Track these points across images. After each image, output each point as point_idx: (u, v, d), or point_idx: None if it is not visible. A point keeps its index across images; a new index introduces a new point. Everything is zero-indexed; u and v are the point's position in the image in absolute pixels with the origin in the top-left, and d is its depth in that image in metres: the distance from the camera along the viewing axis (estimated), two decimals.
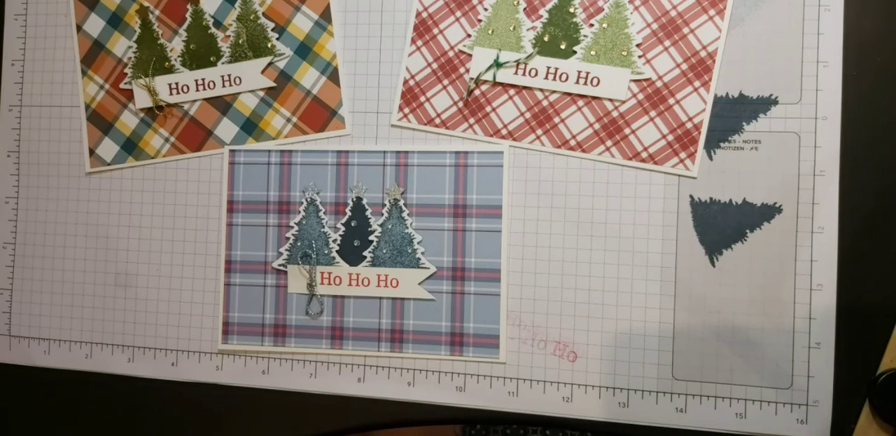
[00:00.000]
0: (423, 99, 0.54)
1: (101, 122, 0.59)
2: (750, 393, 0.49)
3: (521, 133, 0.53)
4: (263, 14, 0.57)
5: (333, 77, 0.56)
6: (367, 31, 0.55)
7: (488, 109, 0.53)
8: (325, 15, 0.56)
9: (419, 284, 0.53)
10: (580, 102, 0.52)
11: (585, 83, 0.52)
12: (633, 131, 0.51)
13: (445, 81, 0.54)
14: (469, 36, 0.53)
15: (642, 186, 0.51)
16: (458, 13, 0.54)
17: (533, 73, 0.52)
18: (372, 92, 0.55)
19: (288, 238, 0.55)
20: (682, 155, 0.51)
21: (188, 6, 0.58)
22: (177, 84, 0.58)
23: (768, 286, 0.49)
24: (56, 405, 0.60)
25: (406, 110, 0.54)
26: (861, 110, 0.49)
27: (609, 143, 0.52)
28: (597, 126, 0.52)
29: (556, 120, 0.52)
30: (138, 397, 0.58)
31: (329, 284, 0.55)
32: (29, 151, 0.61)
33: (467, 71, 0.53)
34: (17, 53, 0.61)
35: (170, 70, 0.58)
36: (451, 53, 0.54)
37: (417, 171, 0.54)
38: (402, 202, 0.54)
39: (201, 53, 0.57)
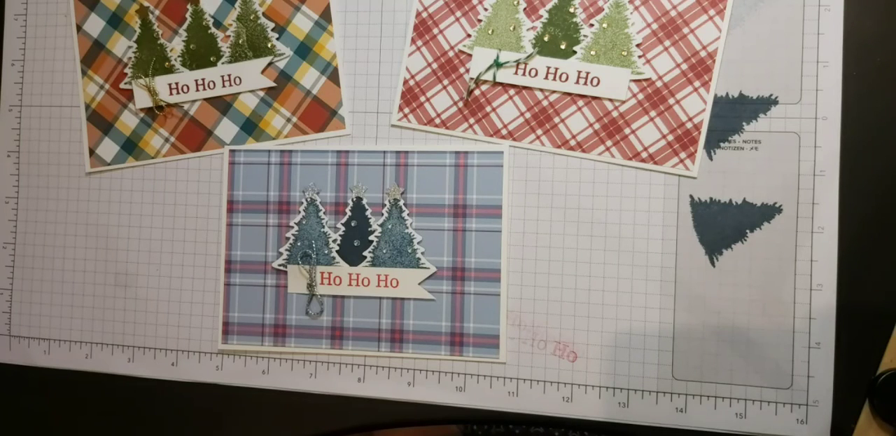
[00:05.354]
0: (423, 99, 0.54)
1: (101, 122, 0.59)
2: (750, 393, 0.49)
3: (521, 133, 0.53)
4: (263, 14, 0.57)
5: (333, 77, 0.56)
6: (367, 31, 0.55)
7: (488, 108, 0.53)
8: (325, 15, 0.56)
9: (419, 284, 0.53)
10: (580, 102, 0.52)
11: (585, 83, 0.52)
12: (633, 131, 0.51)
13: (445, 81, 0.54)
14: (469, 36, 0.53)
15: (642, 186, 0.51)
16: (458, 13, 0.54)
17: (533, 73, 0.52)
18: (372, 92, 0.55)
19: (288, 238, 0.55)
20: (682, 155, 0.51)
21: (188, 6, 0.58)
22: (177, 84, 0.58)
23: (768, 286, 0.49)
24: (56, 405, 0.60)
25: (406, 110, 0.54)
26: (861, 110, 0.49)
27: (609, 143, 0.52)
28: (597, 126, 0.52)
29: (556, 120, 0.52)
30: (138, 397, 0.58)
31: (329, 284, 0.55)
32: (29, 151, 0.61)
33: (467, 71, 0.53)
34: (17, 53, 0.61)
35: (170, 70, 0.58)
36: (451, 53, 0.54)
37: (417, 171, 0.54)
38: (402, 202, 0.54)
39: (201, 53, 0.57)
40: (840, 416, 0.48)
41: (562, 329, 0.52)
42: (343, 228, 0.55)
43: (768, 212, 0.50)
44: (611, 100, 0.51)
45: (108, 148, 0.59)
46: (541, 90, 0.52)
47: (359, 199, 0.55)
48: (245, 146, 0.57)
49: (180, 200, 0.58)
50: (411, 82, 0.54)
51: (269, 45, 0.56)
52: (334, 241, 0.55)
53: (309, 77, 0.56)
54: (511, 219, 0.53)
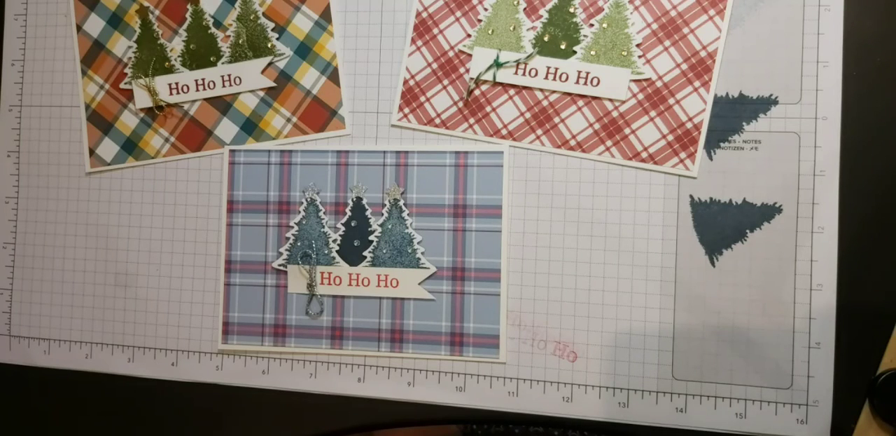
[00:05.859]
0: (423, 99, 0.54)
1: (101, 122, 0.59)
2: (750, 393, 0.49)
3: (521, 133, 0.53)
4: (263, 14, 0.57)
5: (333, 77, 0.56)
6: (367, 31, 0.55)
7: (488, 108, 0.53)
8: (325, 15, 0.56)
9: (419, 284, 0.53)
10: (580, 102, 0.52)
11: (585, 83, 0.52)
12: (633, 131, 0.51)
13: (445, 81, 0.54)
14: (469, 36, 0.53)
15: (642, 186, 0.51)
16: (458, 13, 0.54)
17: (533, 73, 0.52)
18: (372, 92, 0.55)
19: (288, 238, 0.55)
20: (682, 155, 0.51)
21: (188, 6, 0.58)
22: (177, 84, 0.58)
23: (768, 286, 0.49)
24: (56, 405, 0.60)
25: (406, 110, 0.54)
26: (861, 110, 0.49)
27: (609, 143, 0.52)
28: (597, 126, 0.52)
29: (556, 120, 0.52)
30: (138, 397, 0.58)
31: (329, 284, 0.55)
32: (29, 151, 0.61)
33: (467, 71, 0.53)
34: (17, 53, 0.61)
35: (170, 70, 0.58)
36: (451, 53, 0.54)
37: (417, 171, 0.54)
38: (402, 202, 0.54)
39: (201, 53, 0.58)
40: (840, 416, 0.48)
41: (562, 329, 0.52)
42: (343, 228, 0.55)
43: (768, 212, 0.50)
44: (611, 100, 0.51)
45: (108, 148, 0.59)
46: (541, 90, 0.52)
47: (359, 199, 0.55)
48: (245, 146, 0.57)
49: (180, 200, 0.58)
50: (411, 82, 0.54)
51: (269, 45, 0.56)
52: (334, 241, 0.55)
53: (309, 77, 0.56)
54: (511, 219, 0.53)
